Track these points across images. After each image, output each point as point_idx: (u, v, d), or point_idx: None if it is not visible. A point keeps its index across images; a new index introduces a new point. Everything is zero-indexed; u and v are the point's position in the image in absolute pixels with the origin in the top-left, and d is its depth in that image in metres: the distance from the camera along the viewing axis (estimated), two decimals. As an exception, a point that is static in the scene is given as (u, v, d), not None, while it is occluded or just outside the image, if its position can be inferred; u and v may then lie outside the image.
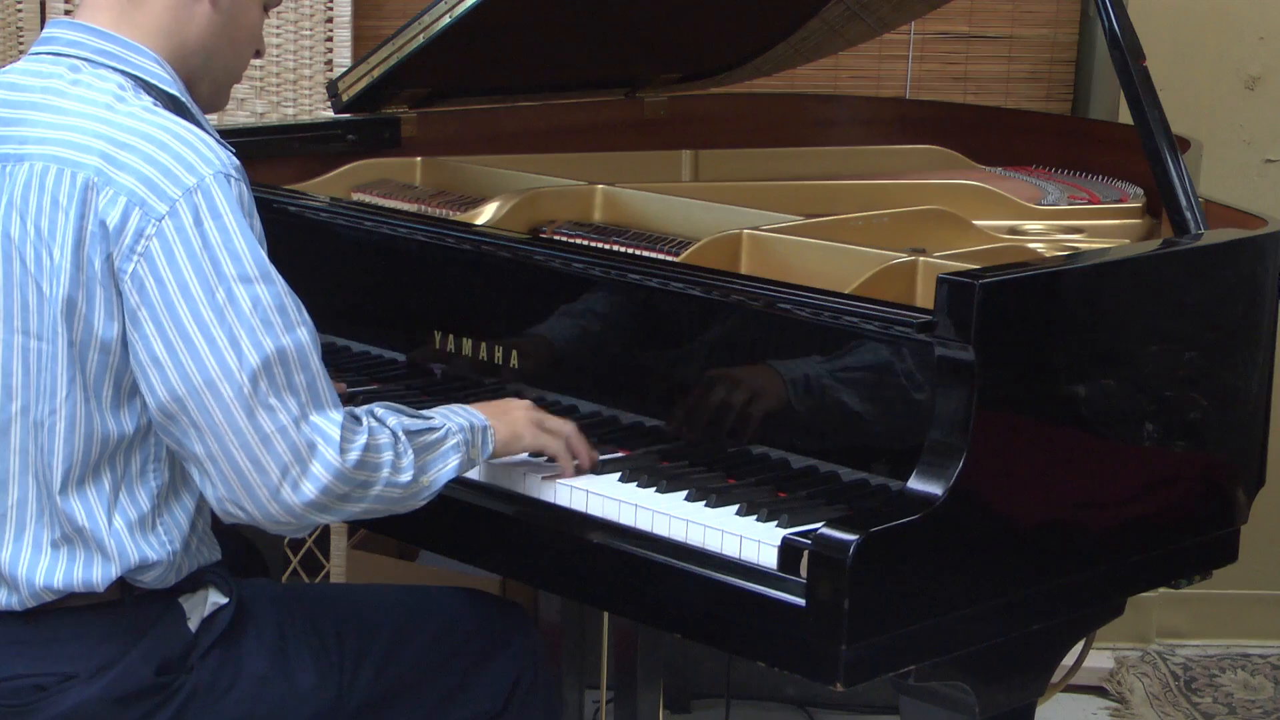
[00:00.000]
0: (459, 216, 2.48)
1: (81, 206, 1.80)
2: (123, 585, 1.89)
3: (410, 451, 1.87)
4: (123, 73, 1.89)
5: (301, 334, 1.82)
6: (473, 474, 2.06)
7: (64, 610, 1.88)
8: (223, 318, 1.77)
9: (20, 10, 3.46)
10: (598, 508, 1.96)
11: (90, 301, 1.81)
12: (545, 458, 2.04)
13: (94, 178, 1.80)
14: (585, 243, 2.37)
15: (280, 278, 1.82)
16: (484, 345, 2.23)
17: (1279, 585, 3.70)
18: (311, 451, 1.79)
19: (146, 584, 1.90)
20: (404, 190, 2.66)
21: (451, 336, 2.26)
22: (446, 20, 2.53)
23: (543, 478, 2.01)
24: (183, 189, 1.78)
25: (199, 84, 1.98)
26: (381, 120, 2.80)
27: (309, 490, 1.79)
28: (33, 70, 1.91)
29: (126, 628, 1.90)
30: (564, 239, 2.39)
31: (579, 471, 2.01)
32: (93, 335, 1.81)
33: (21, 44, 3.45)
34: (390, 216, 2.39)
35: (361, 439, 1.82)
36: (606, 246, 2.34)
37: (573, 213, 2.53)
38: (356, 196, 2.66)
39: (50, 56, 1.91)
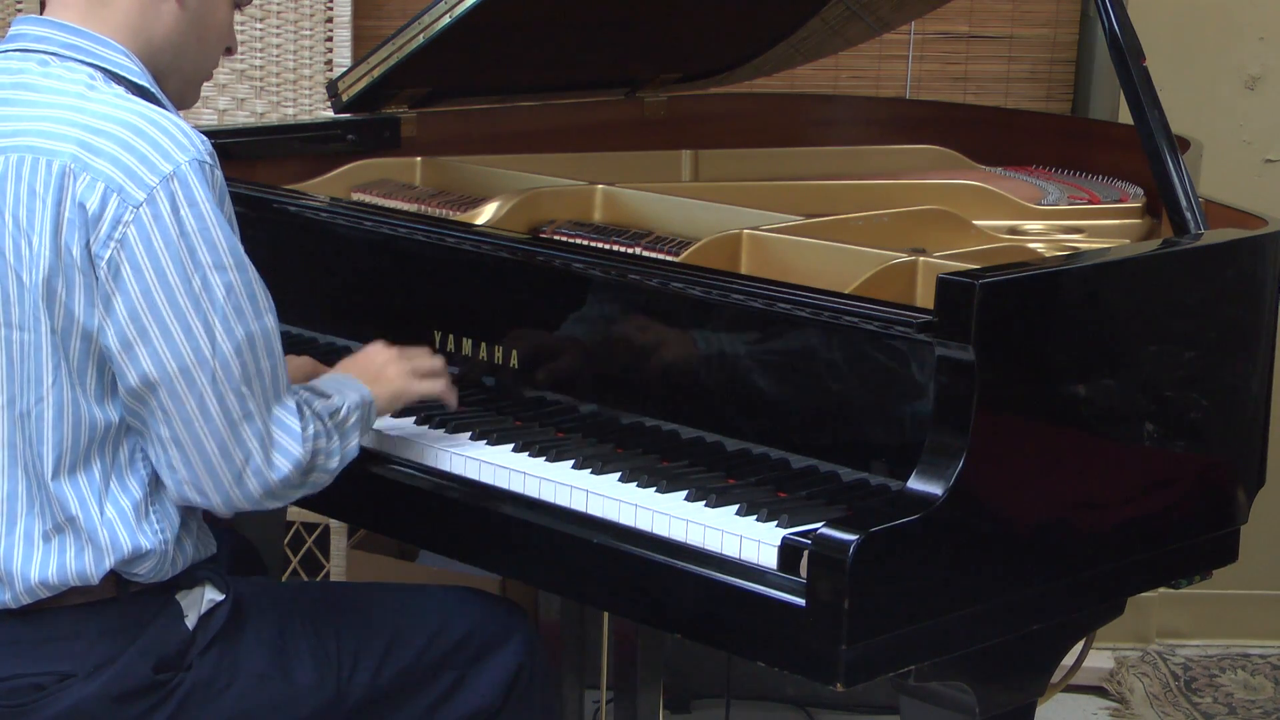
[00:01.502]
0: (459, 216, 2.48)
1: (59, 193, 1.81)
2: (118, 581, 1.89)
3: (336, 436, 1.93)
4: (92, 65, 1.90)
5: (268, 321, 1.86)
6: (472, 474, 2.06)
7: (61, 608, 1.89)
8: (198, 305, 1.80)
9: (20, 10, 3.46)
10: (598, 508, 1.95)
11: (70, 288, 1.81)
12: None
13: (70, 164, 1.81)
14: (585, 243, 2.37)
15: (250, 264, 1.86)
16: (484, 345, 2.23)
17: (1279, 585, 3.70)
18: (274, 440, 1.85)
19: (141, 577, 1.90)
20: (404, 190, 2.66)
21: (451, 336, 2.26)
22: (446, 20, 2.53)
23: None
24: (160, 176, 1.80)
25: (168, 80, 1.98)
26: (381, 120, 2.80)
27: (271, 478, 1.85)
28: (0, 67, 1.92)
29: (124, 625, 1.90)
30: (564, 239, 2.39)
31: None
32: (74, 322, 1.82)
33: (21, 44, 3.45)
34: (390, 216, 2.39)
35: (311, 427, 1.88)
36: (606, 246, 2.34)
37: (573, 213, 2.53)
38: (356, 196, 2.66)
39: (18, 53, 1.92)
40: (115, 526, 1.87)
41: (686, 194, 2.55)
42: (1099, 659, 3.59)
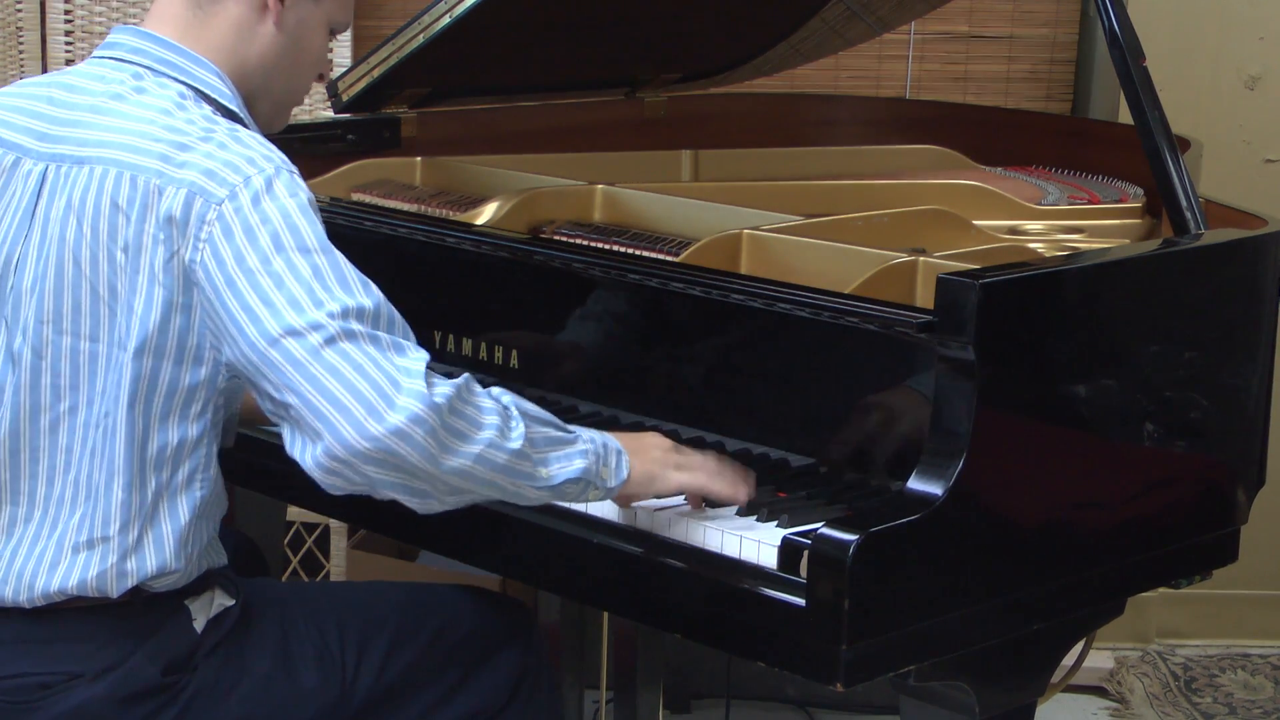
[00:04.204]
0: (459, 216, 2.48)
1: (143, 210, 1.80)
2: (133, 589, 1.89)
3: (522, 425, 1.79)
4: (184, 83, 1.90)
5: (370, 297, 1.76)
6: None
7: (71, 610, 1.88)
8: (281, 284, 1.74)
9: (20, 10, 3.46)
10: (597, 507, 1.96)
11: (148, 304, 1.81)
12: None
13: (155, 180, 1.80)
14: (585, 243, 2.37)
15: (342, 255, 1.78)
16: (484, 345, 2.23)
17: (1279, 585, 3.70)
18: (395, 380, 1.71)
19: (157, 589, 1.90)
20: (404, 190, 2.66)
21: (451, 336, 2.26)
22: (446, 20, 2.52)
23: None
24: (243, 176, 1.79)
25: (259, 102, 1.99)
26: (381, 120, 2.80)
27: (400, 414, 1.69)
28: (94, 74, 1.93)
29: (133, 629, 1.89)
30: (564, 239, 2.39)
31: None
32: (149, 338, 1.81)
33: (21, 43, 3.45)
34: (390, 216, 2.39)
35: (453, 381, 1.75)
36: (606, 246, 2.34)
37: (573, 213, 2.53)
38: (356, 196, 2.66)
39: (113, 62, 1.93)
40: (147, 551, 1.87)
41: (686, 194, 2.55)
42: (1099, 659, 3.59)
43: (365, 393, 1.70)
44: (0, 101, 1.97)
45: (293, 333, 1.72)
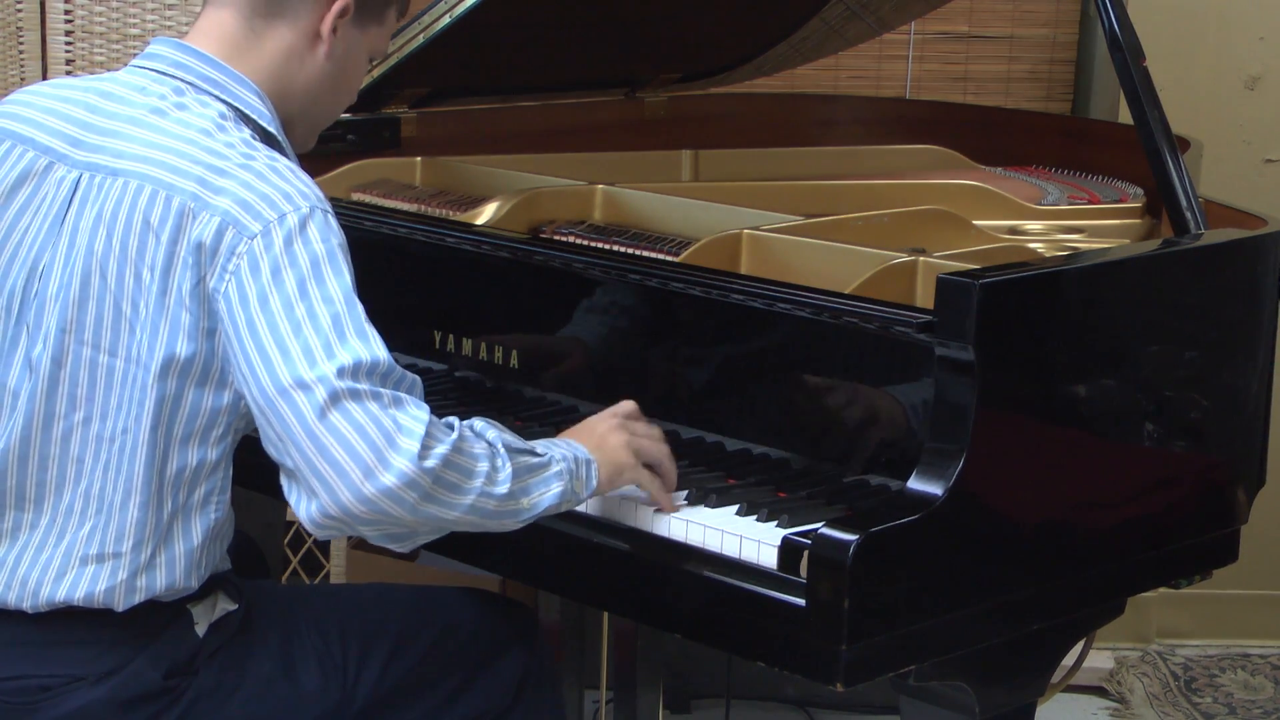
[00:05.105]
0: (459, 216, 2.48)
1: (175, 232, 1.79)
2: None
3: (509, 465, 1.79)
4: (225, 102, 1.89)
5: (384, 351, 1.75)
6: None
7: (74, 614, 1.87)
8: (299, 331, 1.73)
9: (20, 10, 3.45)
10: (596, 507, 1.96)
11: (174, 327, 1.80)
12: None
13: (190, 203, 1.79)
14: (585, 243, 2.37)
15: (363, 309, 1.78)
16: (484, 345, 2.23)
17: (1279, 585, 3.70)
18: (391, 440, 1.70)
19: (162, 598, 1.90)
20: (404, 190, 2.66)
21: (451, 336, 2.26)
22: (446, 20, 2.53)
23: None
24: (278, 213, 1.77)
25: (295, 126, 1.98)
26: (381, 120, 2.80)
27: (394, 475, 1.69)
28: (134, 84, 1.91)
29: (136, 634, 1.89)
30: (564, 239, 2.39)
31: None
32: (173, 360, 1.81)
33: (22, 43, 3.44)
34: (390, 216, 2.39)
35: (450, 437, 1.74)
36: (606, 246, 2.34)
37: (573, 213, 2.53)
38: (356, 196, 2.66)
39: (154, 74, 1.91)
40: (159, 570, 1.86)
41: (686, 194, 2.55)
42: (1099, 659, 3.59)
43: (363, 454, 1.70)
44: (34, 101, 1.94)
45: (302, 385, 1.71)
